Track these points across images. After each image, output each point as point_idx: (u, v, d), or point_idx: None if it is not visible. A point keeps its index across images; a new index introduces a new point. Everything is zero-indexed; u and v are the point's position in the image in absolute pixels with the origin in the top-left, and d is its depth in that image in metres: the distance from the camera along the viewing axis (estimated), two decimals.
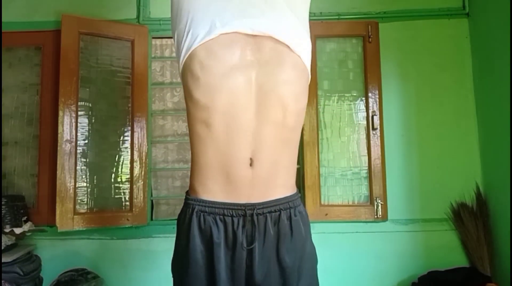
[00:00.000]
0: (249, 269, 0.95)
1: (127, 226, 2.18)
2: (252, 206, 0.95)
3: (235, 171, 0.96)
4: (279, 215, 0.97)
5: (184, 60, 0.98)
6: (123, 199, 2.23)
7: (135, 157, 2.23)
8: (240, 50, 0.96)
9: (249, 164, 0.96)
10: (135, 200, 2.19)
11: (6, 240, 1.94)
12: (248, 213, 0.95)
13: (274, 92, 0.96)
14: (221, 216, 0.95)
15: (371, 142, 2.23)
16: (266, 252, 0.96)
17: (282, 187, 1.01)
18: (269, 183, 0.98)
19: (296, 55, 1.00)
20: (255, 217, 0.95)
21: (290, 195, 1.01)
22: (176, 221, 1.06)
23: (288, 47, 0.98)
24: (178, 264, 1.02)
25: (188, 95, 0.99)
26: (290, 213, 0.99)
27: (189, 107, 0.99)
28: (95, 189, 2.19)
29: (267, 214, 0.96)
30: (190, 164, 1.04)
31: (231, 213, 0.95)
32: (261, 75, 0.96)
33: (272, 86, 0.96)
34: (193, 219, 0.96)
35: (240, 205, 0.95)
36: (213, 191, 0.97)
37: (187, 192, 1.03)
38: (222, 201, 0.96)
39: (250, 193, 0.96)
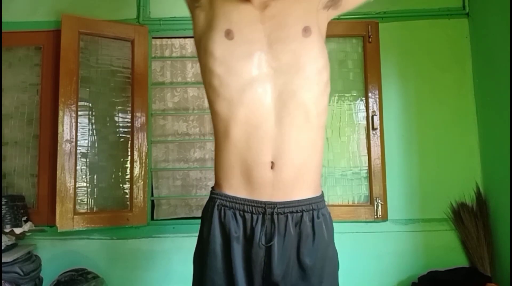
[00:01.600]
0: (267, 267, 0.96)
1: (127, 226, 2.18)
2: (273, 204, 0.96)
3: (256, 173, 0.97)
4: (301, 216, 0.97)
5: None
6: (123, 199, 2.23)
7: (135, 157, 2.23)
8: (257, 60, 0.97)
9: (270, 167, 0.97)
10: (135, 200, 2.19)
11: (6, 240, 1.94)
12: (268, 211, 0.96)
13: (293, 99, 0.97)
14: (241, 212, 0.97)
15: (371, 142, 2.23)
16: (285, 252, 0.96)
17: (306, 188, 1.00)
18: (292, 185, 0.98)
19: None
20: (275, 216, 0.96)
21: (314, 197, 1.01)
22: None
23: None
24: (199, 255, 1.03)
25: (210, 102, 1.03)
26: (313, 215, 0.99)
27: (212, 112, 1.03)
28: (95, 189, 2.19)
29: (288, 214, 0.97)
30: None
31: (251, 209, 0.97)
32: (279, 83, 0.97)
33: (291, 93, 0.97)
34: (215, 212, 0.99)
35: (261, 202, 0.97)
36: (236, 187, 0.99)
37: (212, 187, 1.06)
38: (243, 197, 0.98)
39: (272, 193, 0.97)
